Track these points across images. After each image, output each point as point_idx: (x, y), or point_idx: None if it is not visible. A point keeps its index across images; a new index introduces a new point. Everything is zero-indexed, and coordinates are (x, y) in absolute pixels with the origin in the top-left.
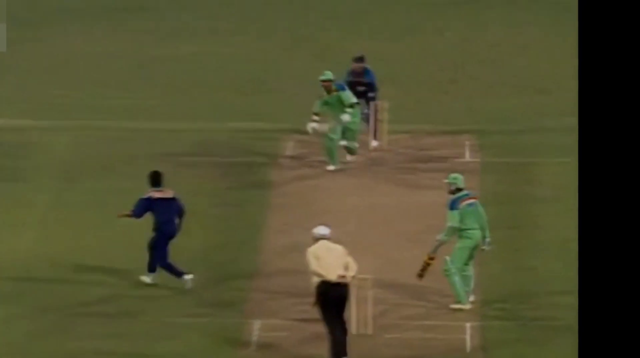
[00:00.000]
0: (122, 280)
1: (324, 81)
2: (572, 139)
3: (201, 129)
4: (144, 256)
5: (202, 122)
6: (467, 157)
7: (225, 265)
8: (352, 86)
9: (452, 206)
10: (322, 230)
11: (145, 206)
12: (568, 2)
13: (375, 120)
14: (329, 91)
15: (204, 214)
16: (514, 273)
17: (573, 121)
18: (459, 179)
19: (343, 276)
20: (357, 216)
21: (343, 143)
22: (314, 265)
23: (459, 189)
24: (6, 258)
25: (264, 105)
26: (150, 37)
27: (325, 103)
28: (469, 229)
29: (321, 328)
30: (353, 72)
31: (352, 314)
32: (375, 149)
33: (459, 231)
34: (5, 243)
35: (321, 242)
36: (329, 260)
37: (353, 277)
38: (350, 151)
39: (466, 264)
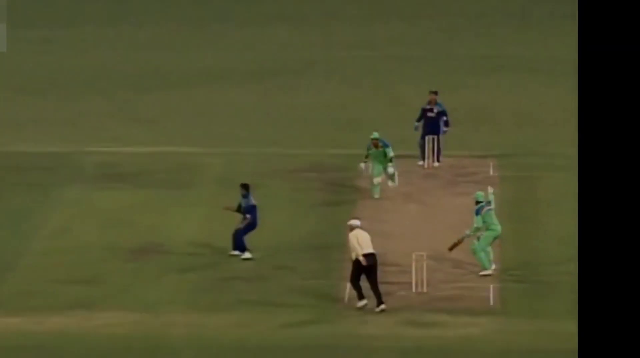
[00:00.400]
0: (256, 255)
1: (373, 139)
2: (566, 160)
3: (311, 154)
4: (271, 240)
5: (312, 149)
6: (491, 173)
7: (326, 245)
8: (425, 112)
9: (477, 212)
10: (356, 222)
11: (252, 209)
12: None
13: (439, 147)
14: (376, 146)
15: (312, 211)
16: (524, 252)
17: (567, 148)
18: (479, 195)
19: (372, 255)
20: (416, 213)
21: (383, 178)
22: (354, 244)
23: (479, 202)
24: (179, 240)
25: (355, 138)
26: (277, 92)
27: (372, 153)
28: (492, 225)
29: (388, 286)
30: (429, 101)
31: (412, 278)
32: (429, 167)
33: (486, 227)
34: (178, 230)
35: (356, 230)
36: (362, 243)
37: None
38: (392, 177)
39: (488, 246)
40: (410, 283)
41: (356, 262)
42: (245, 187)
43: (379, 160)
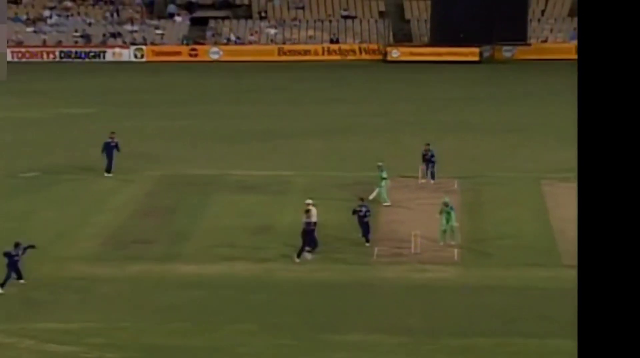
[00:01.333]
0: (332, 234)
1: (378, 165)
2: (496, 179)
3: (354, 176)
4: (332, 221)
5: (354, 173)
6: (455, 187)
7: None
8: (423, 155)
9: (452, 208)
10: (309, 201)
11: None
12: (502, 127)
13: (433, 173)
14: (379, 169)
15: (354, 206)
16: (475, 231)
17: (496, 173)
18: (447, 200)
19: (314, 222)
20: (414, 209)
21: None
22: (306, 216)
23: (447, 204)
24: (281, 224)
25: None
26: (336, 141)
27: (378, 175)
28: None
29: (399, 250)
30: (425, 149)
31: (412, 246)
32: (421, 183)
33: (454, 216)
34: (280, 218)
35: (309, 206)
36: (310, 214)
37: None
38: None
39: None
40: (410, 248)
41: (304, 226)
42: (361, 199)
43: (380, 179)
